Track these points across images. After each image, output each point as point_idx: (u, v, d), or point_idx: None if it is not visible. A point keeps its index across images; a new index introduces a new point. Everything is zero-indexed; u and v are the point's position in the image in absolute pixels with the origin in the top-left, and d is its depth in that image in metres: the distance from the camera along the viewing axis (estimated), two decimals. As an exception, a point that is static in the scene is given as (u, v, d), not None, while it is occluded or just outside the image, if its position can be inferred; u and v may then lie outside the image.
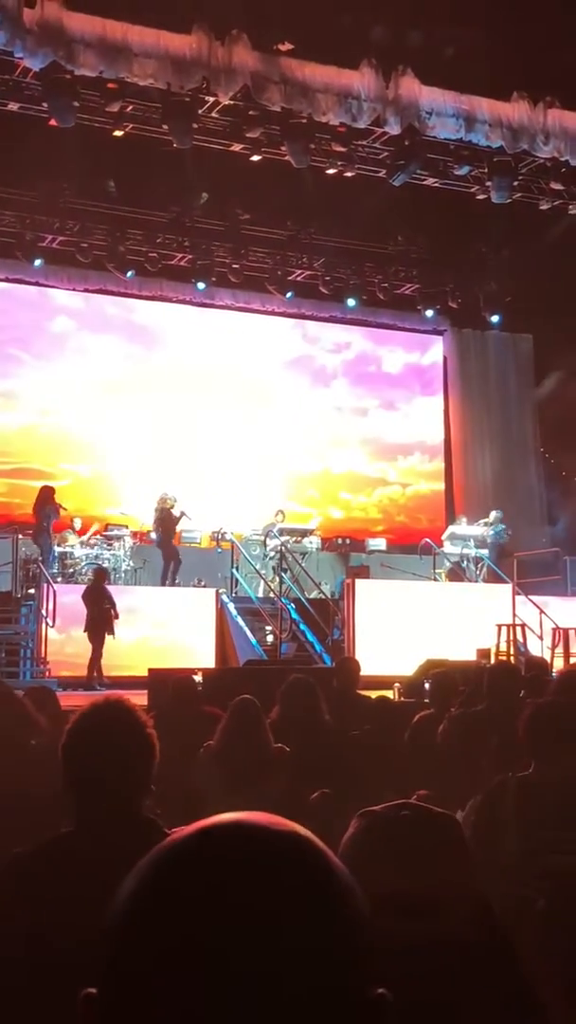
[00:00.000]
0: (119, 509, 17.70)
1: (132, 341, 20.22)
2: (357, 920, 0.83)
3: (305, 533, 18.00)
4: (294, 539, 17.42)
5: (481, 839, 3.28)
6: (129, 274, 18.59)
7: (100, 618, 13.75)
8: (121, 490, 18.56)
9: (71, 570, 16.28)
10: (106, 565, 15.86)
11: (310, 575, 16.88)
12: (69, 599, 14.30)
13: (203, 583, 16.15)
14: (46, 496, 15.93)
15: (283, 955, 0.78)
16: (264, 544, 17.30)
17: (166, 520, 16.60)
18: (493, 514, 18.10)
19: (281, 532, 17.18)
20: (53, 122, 14.09)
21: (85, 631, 13.78)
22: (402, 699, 10.15)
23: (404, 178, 15.68)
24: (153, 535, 17.03)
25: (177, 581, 16.30)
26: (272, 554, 16.88)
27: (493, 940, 1.61)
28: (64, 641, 14.40)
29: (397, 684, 11.11)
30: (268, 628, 15.49)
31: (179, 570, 16.42)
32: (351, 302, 20.18)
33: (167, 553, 16.47)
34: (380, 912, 1.42)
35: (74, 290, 19.41)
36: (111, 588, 14.35)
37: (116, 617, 13.78)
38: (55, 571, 15.79)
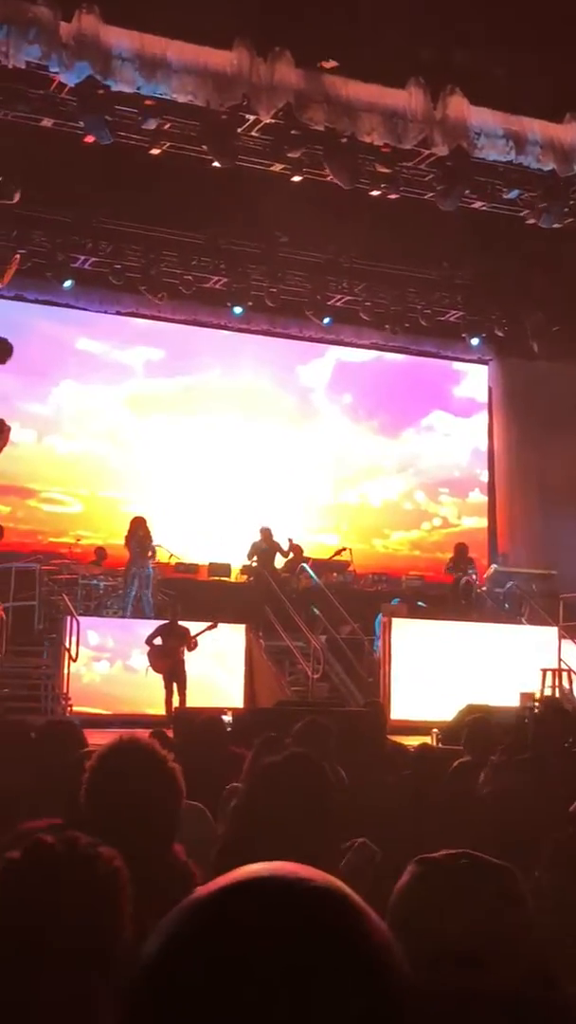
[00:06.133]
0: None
1: (161, 364, 19.80)
2: (396, 985, 0.79)
3: (339, 568, 17.36)
4: (328, 575, 16.79)
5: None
6: (161, 296, 18.13)
7: (157, 654, 13.30)
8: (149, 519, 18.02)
9: (95, 603, 15.76)
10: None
11: (344, 613, 16.22)
12: (92, 633, 13.89)
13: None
14: (134, 527, 15.60)
15: None
16: (296, 577, 16.70)
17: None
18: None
19: (315, 567, 16.56)
20: (89, 139, 13.71)
21: None
22: (441, 746, 9.83)
23: (454, 202, 15.12)
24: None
25: None
26: (304, 590, 16.28)
27: (548, 997, 1.59)
28: (84, 675, 13.96)
29: (435, 730, 10.80)
30: (300, 668, 14.89)
31: None
32: (392, 329, 19.59)
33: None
34: (433, 962, 1.48)
35: (105, 312, 18.95)
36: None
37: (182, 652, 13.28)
38: (107, 605, 15.70)
